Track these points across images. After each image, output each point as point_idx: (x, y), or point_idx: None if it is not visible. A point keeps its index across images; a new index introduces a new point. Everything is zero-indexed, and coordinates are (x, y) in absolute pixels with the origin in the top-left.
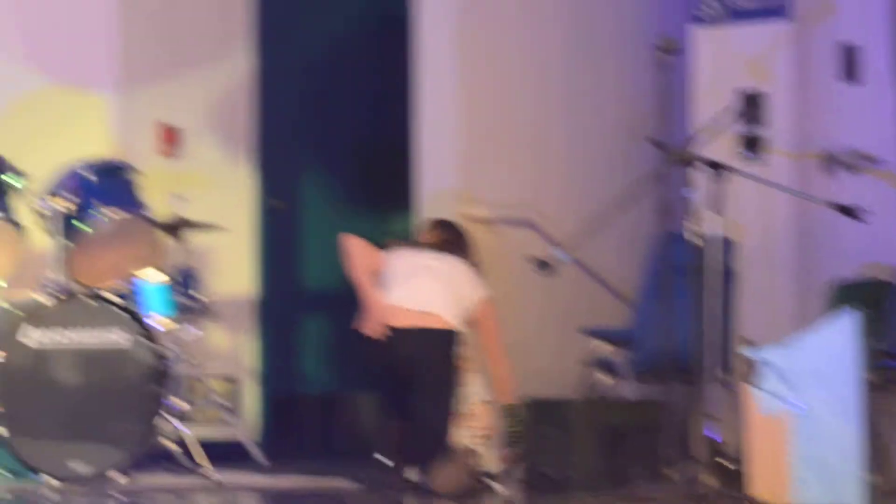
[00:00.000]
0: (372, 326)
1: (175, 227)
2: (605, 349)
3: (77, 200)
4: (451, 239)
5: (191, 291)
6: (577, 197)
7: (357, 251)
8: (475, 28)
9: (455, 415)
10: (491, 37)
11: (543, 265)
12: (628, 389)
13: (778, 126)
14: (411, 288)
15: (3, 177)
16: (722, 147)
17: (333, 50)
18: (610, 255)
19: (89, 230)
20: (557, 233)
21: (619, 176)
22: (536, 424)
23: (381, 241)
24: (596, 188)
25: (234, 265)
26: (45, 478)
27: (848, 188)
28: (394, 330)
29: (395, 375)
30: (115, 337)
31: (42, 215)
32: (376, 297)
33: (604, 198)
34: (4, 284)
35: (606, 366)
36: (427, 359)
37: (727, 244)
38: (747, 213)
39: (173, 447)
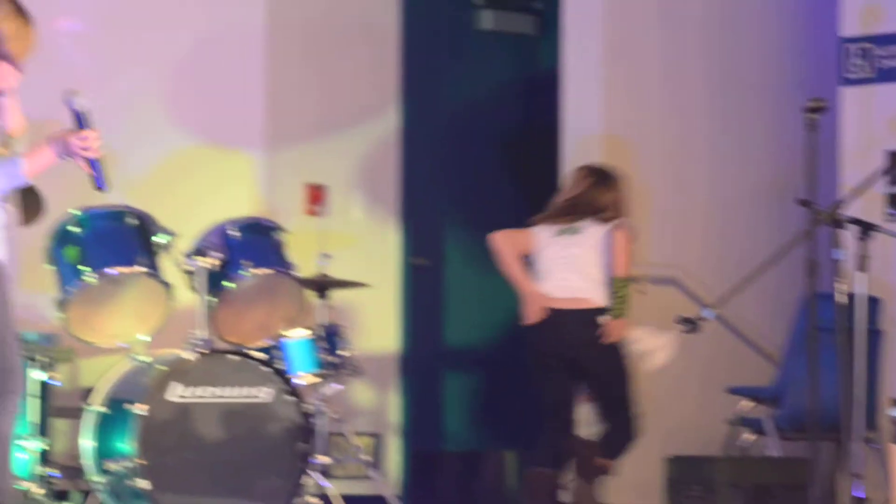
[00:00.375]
0: (532, 312)
1: (320, 285)
2: (750, 407)
3: (223, 258)
4: (597, 182)
5: (335, 348)
6: (722, 255)
7: (504, 246)
8: (621, 87)
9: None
10: (637, 96)
11: (688, 323)
12: (774, 447)
13: None
14: (557, 281)
15: (153, 236)
16: (869, 206)
17: (478, 108)
18: (756, 313)
19: (235, 288)
20: (702, 291)
21: (765, 235)
22: (681, 482)
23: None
24: (741, 247)
25: (378, 322)
26: None
27: None
28: (552, 311)
29: (561, 367)
30: (260, 393)
31: (188, 272)
32: (531, 285)
33: (749, 256)
34: (149, 340)
35: (752, 424)
36: (590, 338)
37: (874, 303)
38: (894, 272)
39: (317, 503)
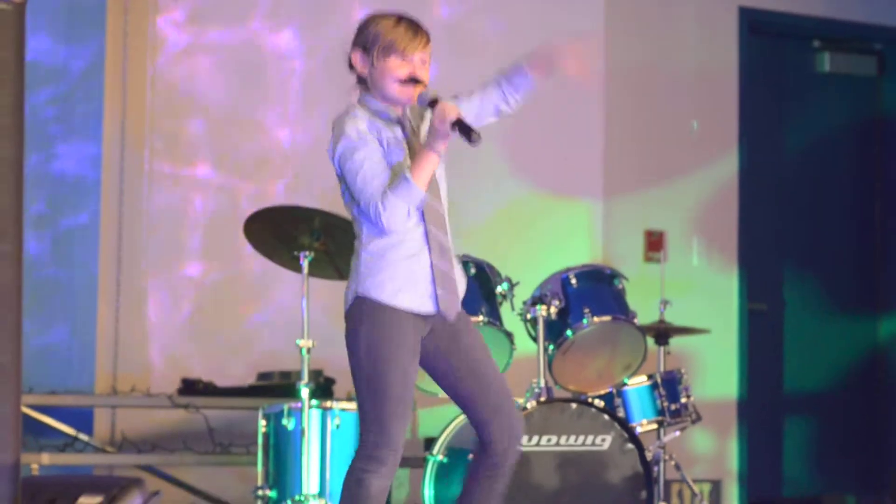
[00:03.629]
0: None
1: (660, 332)
2: None
3: (562, 306)
4: None
5: (675, 395)
6: None
7: None
8: None
9: None
10: None
11: None
12: None
13: None
14: None
15: (494, 286)
16: None
17: (818, 151)
18: None
19: (574, 335)
20: None
21: None
22: None
23: None
24: None
25: (717, 367)
26: None
27: None
28: None
29: None
30: (600, 441)
31: (528, 321)
32: None
33: None
34: None
35: None
36: None
37: None
38: None
39: None
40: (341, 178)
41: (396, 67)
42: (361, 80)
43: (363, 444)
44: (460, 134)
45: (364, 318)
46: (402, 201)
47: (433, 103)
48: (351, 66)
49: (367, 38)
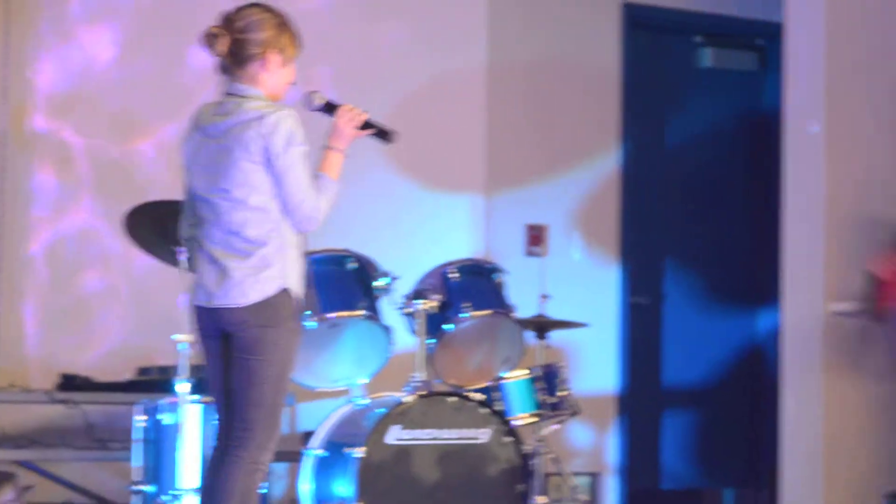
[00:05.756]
0: None
1: (539, 325)
2: None
3: (442, 300)
4: None
5: (554, 388)
6: None
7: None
8: (843, 124)
9: None
10: (862, 129)
11: None
12: None
13: None
14: None
15: (374, 280)
16: None
17: (699, 146)
18: None
19: (454, 330)
20: None
21: None
22: None
23: None
24: None
25: (596, 361)
26: None
27: None
28: None
29: None
30: (478, 435)
31: (408, 315)
32: None
33: None
34: (368, 382)
35: None
36: None
37: None
38: None
39: None
40: (275, 173)
41: (291, 74)
42: (250, 78)
43: (257, 436)
44: (373, 135)
45: (290, 311)
46: (330, 201)
47: (330, 107)
48: (243, 58)
49: (282, 42)
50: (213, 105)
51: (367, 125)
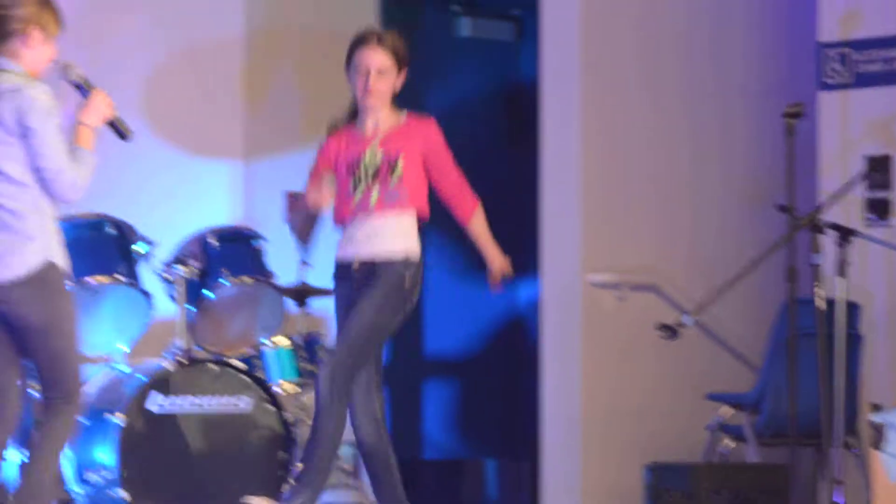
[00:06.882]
0: None
1: (300, 293)
2: (730, 414)
3: (202, 267)
4: None
5: (315, 357)
6: (702, 262)
7: None
8: (599, 94)
9: None
10: (616, 100)
11: (668, 330)
12: (754, 454)
13: None
14: None
15: (132, 245)
16: (848, 211)
17: (457, 115)
18: (735, 319)
19: (214, 297)
20: (682, 298)
21: (745, 241)
22: (661, 489)
23: None
24: (722, 253)
25: None
26: None
27: None
28: None
29: None
30: (240, 402)
31: (167, 281)
32: None
33: (729, 263)
34: (128, 350)
35: (732, 430)
36: None
37: (853, 309)
38: (874, 277)
39: None
40: (32, 145)
41: (52, 51)
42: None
43: (75, 396)
44: (113, 129)
45: (60, 283)
46: (89, 171)
47: (85, 85)
48: (4, 33)
49: (43, 19)
50: None
51: (112, 120)
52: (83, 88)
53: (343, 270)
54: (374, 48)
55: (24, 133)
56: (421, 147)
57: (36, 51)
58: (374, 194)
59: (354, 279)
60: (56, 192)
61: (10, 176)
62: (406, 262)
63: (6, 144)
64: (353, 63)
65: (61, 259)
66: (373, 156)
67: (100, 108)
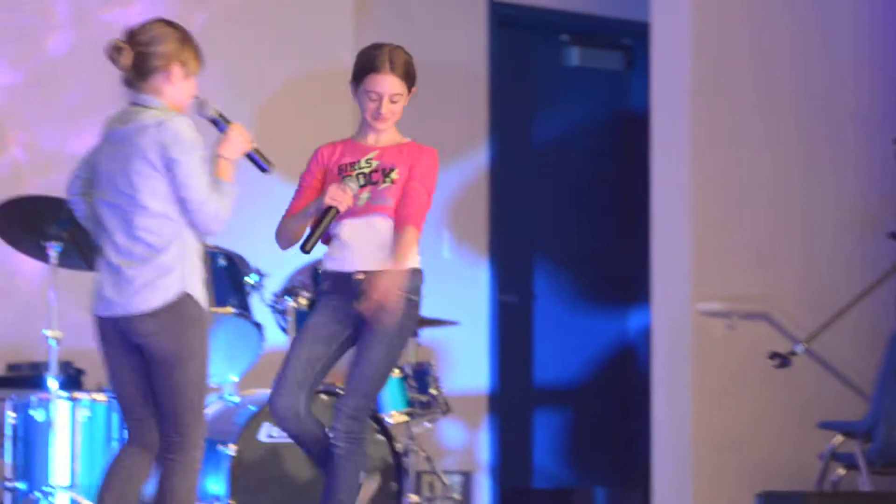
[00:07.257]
0: None
1: None
2: (841, 442)
3: (313, 298)
4: None
5: (425, 387)
6: (813, 290)
7: None
8: (710, 121)
9: None
10: (727, 128)
11: (780, 359)
12: (866, 482)
13: None
14: None
15: (244, 277)
16: None
17: (567, 144)
18: (847, 347)
19: None
20: (793, 326)
21: (856, 268)
22: None
23: None
24: (832, 281)
25: (467, 360)
26: None
27: None
28: None
29: None
30: None
31: (278, 312)
32: None
33: (840, 290)
34: (238, 380)
35: (844, 458)
36: None
37: None
38: None
39: None
40: (176, 177)
41: (193, 87)
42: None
43: (192, 438)
44: (253, 161)
45: (195, 315)
46: (230, 202)
47: (222, 120)
48: (146, 70)
49: (184, 55)
50: (117, 113)
51: (249, 155)
52: (220, 123)
53: (341, 281)
54: (387, 75)
55: (168, 165)
56: (413, 164)
57: (178, 87)
58: (365, 194)
59: (353, 291)
60: (199, 223)
61: (152, 210)
62: (410, 275)
63: (149, 178)
64: (362, 86)
65: (200, 292)
66: (368, 162)
67: (237, 141)
